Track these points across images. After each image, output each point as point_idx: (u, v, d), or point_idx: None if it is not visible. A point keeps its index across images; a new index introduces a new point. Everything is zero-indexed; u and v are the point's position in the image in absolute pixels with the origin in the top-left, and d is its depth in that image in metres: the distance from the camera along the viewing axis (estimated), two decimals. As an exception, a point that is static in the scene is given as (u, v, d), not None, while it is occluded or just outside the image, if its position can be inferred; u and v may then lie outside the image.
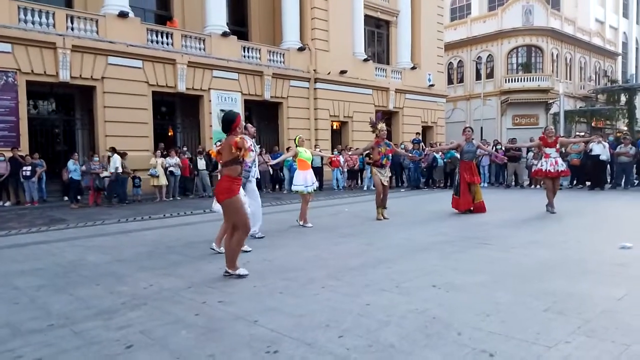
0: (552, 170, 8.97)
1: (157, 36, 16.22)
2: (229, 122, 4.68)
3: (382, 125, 8.76)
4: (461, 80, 35.38)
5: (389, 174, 9.04)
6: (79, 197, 13.04)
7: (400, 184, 17.80)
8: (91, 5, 16.02)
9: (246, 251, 5.63)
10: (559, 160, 9.09)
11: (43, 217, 10.48)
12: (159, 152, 14.46)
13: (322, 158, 16.59)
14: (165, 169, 14.22)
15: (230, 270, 4.66)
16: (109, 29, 15.00)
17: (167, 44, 16.39)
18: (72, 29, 14.43)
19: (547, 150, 9.14)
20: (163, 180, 14.11)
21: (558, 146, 9.20)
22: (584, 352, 2.74)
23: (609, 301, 3.62)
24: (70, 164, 12.95)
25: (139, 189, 14.11)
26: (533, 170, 10.15)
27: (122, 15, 15.23)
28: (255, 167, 6.65)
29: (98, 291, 4.37)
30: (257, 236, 6.79)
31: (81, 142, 16.51)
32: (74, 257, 6.03)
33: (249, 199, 6.46)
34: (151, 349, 3.00)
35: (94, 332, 3.32)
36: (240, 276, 4.61)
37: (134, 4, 16.35)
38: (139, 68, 15.56)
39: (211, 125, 17.28)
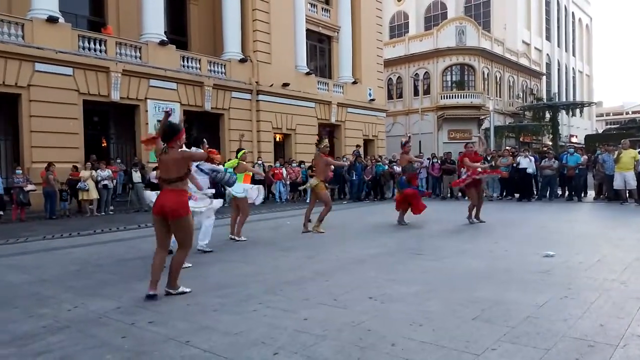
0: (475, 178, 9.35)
1: (89, 43, 15.49)
2: (173, 132, 4.47)
3: (325, 142, 8.92)
4: (400, 96, 36.60)
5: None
6: (0, 213, 12.10)
7: (342, 197, 18.00)
8: (17, 9, 15.07)
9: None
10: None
11: (-43, 235, 9.61)
12: (89, 164, 13.74)
13: (264, 170, 16.54)
14: (98, 182, 13.53)
15: (172, 290, 4.48)
16: (37, 34, 14.16)
17: (100, 51, 15.70)
18: (-6, 32, 13.51)
19: (475, 164, 9.53)
20: (94, 194, 13.41)
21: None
22: (508, 358, 2.86)
23: (532, 308, 3.81)
24: (-10, 176, 12.03)
25: (67, 203, 13.33)
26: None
27: (52, 20, 14.44)
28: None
29: (16, 314, 4.05)
30: (206, 250, 6.80)
31: (4, 154, 15.38)
32: (-10, 278, 5.56)
33: (209, 214, 6.50)
34: (71, 376, 2.81)
35: (8, 360, 3.06)
36: (183, 293, 4.49)
37: (65, 9, 15.55)
38: (69, 75, 14.77)
39: (148, 137, 16.68)
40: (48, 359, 3.06)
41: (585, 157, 15.20)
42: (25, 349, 3.24)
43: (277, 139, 21.86)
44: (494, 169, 9.63)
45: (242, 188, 7.81)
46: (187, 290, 4.53)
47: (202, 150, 6.03)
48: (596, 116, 65.04)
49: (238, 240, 7.84)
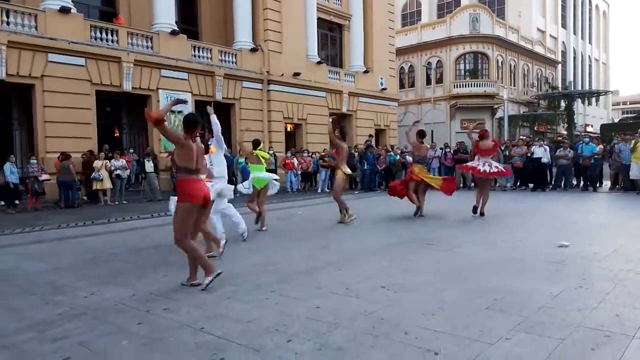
0: (482, 170, 8.98)
1: (101, 33, 15.55)
2: (196, 122, 4.40)
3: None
4: (412, 85, 36.26)
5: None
6: (16, 202, 12.29)
7: (354, 187, 17.95)
8: (30, 0, 15.19)
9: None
10: (493, 163, 9.17)
11: (-25, 224, 9.79)
12: (102, 154, 13.87)
13: (275, 160, 16.55)
14: (111, 172, 13.66)
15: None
16: (50, 24, 14.24)
17: (112, 41, 15.75)
18: (8, 23, 13.59)
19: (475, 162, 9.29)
20: (107, 184, 13.55)
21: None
22: (522, 348, 2.84)
23: (547, 298, 3.78)
24: (7, 166, 12.18)
25: (79, 192, 13.52)
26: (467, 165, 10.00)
27: (64, 10, 14.50)
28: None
29: (33, 302, 4.12)
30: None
31: (19, 144, 15.60)
32: (7, 265, 5.67)
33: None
34: (88, 361, 2.85)
35: (27, 345, 3.13)
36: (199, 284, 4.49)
37: (77, 0, 15.63)
38: (82, 66, 14.86)
39: (160, 127, 16.76)
40: (65, 344, 3.11)
41: (601, 146, 14.94)
42: (43, 334, 3.30)
43: (288, 129, 21.84)
44: (491, 172, 9.28)
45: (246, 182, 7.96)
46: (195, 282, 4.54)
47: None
48: (612, 105, 63.80)
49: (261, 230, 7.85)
